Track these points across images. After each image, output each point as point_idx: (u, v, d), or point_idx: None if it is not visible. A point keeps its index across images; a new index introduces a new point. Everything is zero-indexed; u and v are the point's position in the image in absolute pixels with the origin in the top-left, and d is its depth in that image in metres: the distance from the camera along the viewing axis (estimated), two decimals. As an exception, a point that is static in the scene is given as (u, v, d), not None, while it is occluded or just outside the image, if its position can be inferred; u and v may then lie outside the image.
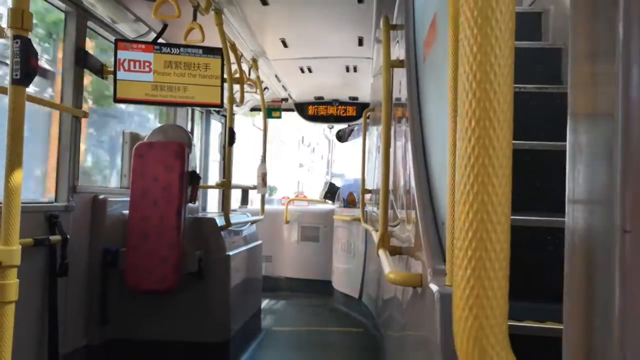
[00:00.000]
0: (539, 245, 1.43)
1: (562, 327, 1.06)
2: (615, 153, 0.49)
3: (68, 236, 2.86)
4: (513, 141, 0.53)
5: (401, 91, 2.34)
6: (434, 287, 1.20)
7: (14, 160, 1.58)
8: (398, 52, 2.55)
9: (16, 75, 1.55)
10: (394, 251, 2.10)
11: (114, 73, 3.39)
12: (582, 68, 0.61)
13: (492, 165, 0.49)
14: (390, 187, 2.42)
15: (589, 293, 0.55)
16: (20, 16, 1.55)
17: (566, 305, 0.61)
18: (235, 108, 3.84)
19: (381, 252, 2.06)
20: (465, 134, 0.51)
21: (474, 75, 0.50)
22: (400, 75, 2.36)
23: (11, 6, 1.55)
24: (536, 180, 1.62)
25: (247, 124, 8.54)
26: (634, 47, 0.49)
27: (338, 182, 7.42)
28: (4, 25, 1.59)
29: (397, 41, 2.63)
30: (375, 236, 2.66)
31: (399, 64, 2.30)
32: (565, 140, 1.61)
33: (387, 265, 1.76)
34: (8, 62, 1.59)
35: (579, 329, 0.57)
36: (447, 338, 1.12)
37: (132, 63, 3.45)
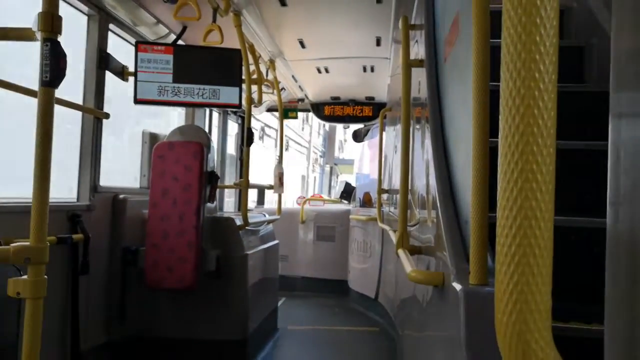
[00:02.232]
0: (565, 245, 1.42)
1: (590, 328, 1.05)
2: None
3: (90, 235, 2.92)
4: None
5: (420, 91, 2.34)
6: (457, 286, 1.20)
7: (43, 161, 1.62)
8: (417, 51, 2.55)
9: (46, 77, 1.59)
10: (413, 250, 2.10)
11: (135, 75, 3.44)
12: (626, 66, 0.60)
13: (535, 161, 0.49)
14: (409, 186, 2.41)
15: (634, 294, 0.54)
16: (50, 19, 1.59)
17: (609, 308, 0.60)
18: (252, 109, 3.87)
19: (401, 251, 2.06)
20: (509, 130, 0.51)
21: (518, 73, 0.50)
22: (419, 75, 2.36)
23: (41, 10, 1.59)
24: (558, 180, 1.61)
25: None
26: None
27: (348, 178, 7.35)
28: (35, 28, 1.63)
29: (416, 41, 2.63)
30: (394, 236, 2.67)
31: (419, 63, 2.30)
32: (589, 140, 1.60)
33: (407, 264, 1.76)
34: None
35: (623, 331, 0.57)
36: (472, 337, 1.12)
37: (152, 65, 3.49)
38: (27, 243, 1.61)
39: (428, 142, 1.91)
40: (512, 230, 0.50)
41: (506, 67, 0.52)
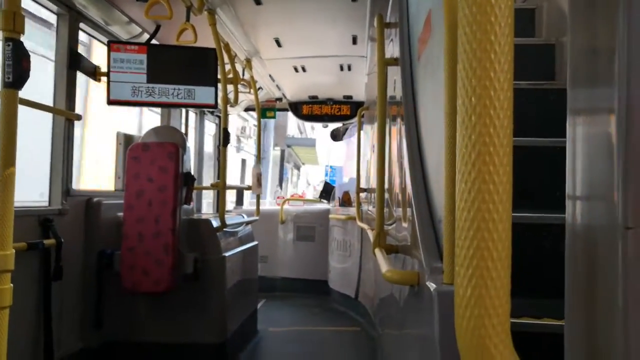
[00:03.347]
0: (535, 242, 1.43)
1: (559, 323, 1.05)
2: (616, 149, 0.49)
3: (62, 240, 2.85)
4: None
5: (396, 89, 2.34)
6: (431, 285, 1.20)
7: (7, 164, 1.57)
8: (392, 49, 2.55)
9: (8, 78, 1.54)
10: (390, 250, 2.10)
11: (107, 75, 3.37)
12: (581, 64, 0.60)
13: (492, 163, 0.48)
14: (386, 185, 2.41)
15: (591, 289, 0.54)
16: (12, 18, 1.53)
17: (568, 301, 0.61)
18: (229, 108, 3.83)
19: (377, 251, 2.06)
20: (465, 131, 0.50)
21: (473, 72, 0.49)
22: (395, 73, 2.36)
23: (3, 8, 1.54)
24: (528, 177, 1.62)
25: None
26: (634, 42, 0.49)
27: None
28: None
29: (392, 39, 2.63)
30: (371, 235, 2.67)
31: (394, 61, 2.30)
32: (558, 137, 1.62)
33: (383, 263, 1.76)
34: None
35: (581, 325, 0.57)
36: (445, 336, 1.12)
37: (125, 65, 3.43)
38: None
39: (404, 141, 1.90)
40: (469, 233, 0.49)
41: (462, 65, 0.51)
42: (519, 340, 0.78)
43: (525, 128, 1.71)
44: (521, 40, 2.22)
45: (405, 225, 1.83)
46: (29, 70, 1.57)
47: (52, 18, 3.14)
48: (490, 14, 0.48)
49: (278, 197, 7.32)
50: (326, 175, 9.33)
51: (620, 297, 0.48)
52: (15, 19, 1.53)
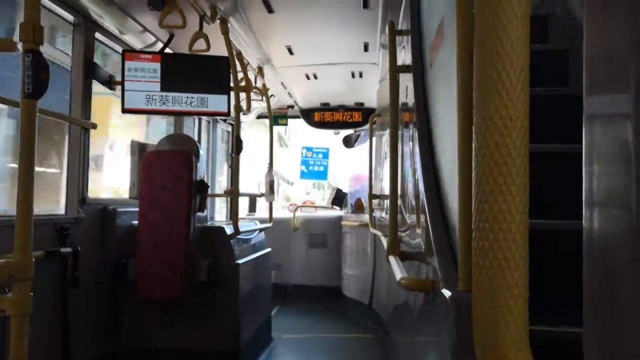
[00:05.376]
0: (549, 249, 1.42)
1: (576, 330, 1.05)
2: (634, 154, 0.49)
3: (79, 248, 2.88)
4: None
5: (408, 96, 2.34)
6: (446, 293, 1.20)
7: (26, 173, 1.60)
8: (404, 57, 2.55)
9: (28, 89, 1.57)
10: (404, 256, 2.10)
11: (122, 84, 3.41)
12: (597, 69, 0.60)
13: (509, 170, 0.49)
14: (399, 192, 2.41)
15: (610, 296, 0.54)
16: (31, 29, 1.56)
17: (586, 309, 0.60)
18: (241, 116, 3.86)
19: (391, 257, 2.05)
20: (482, 138, 0.51)
21: (491, 81, 0.49)
22: (406, 80, 2.36)
23: (23, 20, 1.57)
24: (541, 183, 1.61)
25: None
26: None
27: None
28: (16, 39, 1.61)
29: (403, 46, 2.63)
30: (385, 242, 2.66)
31: (406, 69, 2.30)
32: (573, 143, 1.61)
33: (398, 271, 1.75)
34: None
35: (600, 332, 0.57)
36: (461, 343, 1.12)
37: (139, 73, 3.47)
38: (12, 259, 1.58)
39: (416, 148, 1.91)
40: (487, 241, 0.49)
41: (477, 73, 0.51)
42: (534, 348, 0.77)
43: (538, 134, 1.70)
44: (534, 47, 2.21)
45: (419, 232, 1.83)
46: (47, 80, 1.60)
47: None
48: (507, 23, 0.49)
49: (290, 204, 7.31)
50: (304, 164, 7.91)
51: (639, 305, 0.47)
52: (35, 30, 1.57)
